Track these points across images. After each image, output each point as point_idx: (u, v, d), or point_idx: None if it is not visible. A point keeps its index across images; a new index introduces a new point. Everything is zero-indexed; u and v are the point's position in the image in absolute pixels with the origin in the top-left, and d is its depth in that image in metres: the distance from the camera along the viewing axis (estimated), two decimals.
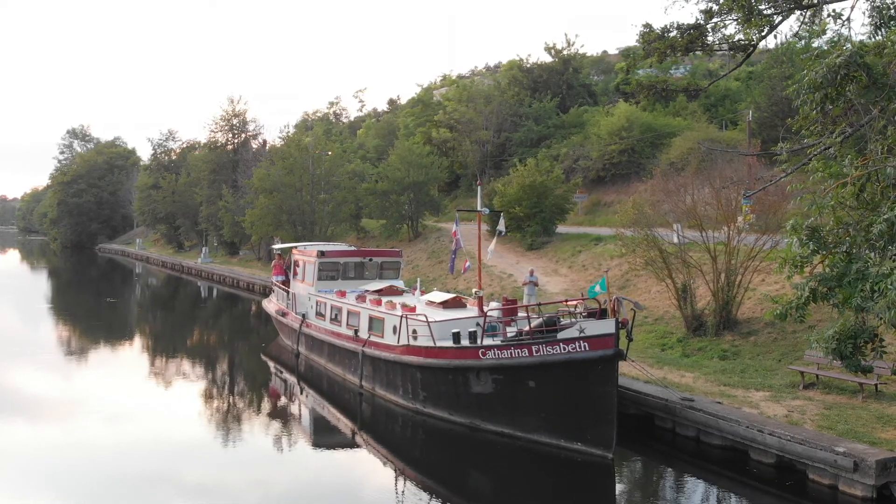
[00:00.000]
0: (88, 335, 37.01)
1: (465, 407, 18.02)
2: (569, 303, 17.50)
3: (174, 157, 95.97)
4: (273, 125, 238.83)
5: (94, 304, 51.23)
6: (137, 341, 35.91)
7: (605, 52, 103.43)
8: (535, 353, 15.94)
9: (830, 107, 8.96)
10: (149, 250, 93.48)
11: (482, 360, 16.87)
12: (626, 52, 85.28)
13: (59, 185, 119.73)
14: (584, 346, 15.33)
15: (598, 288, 16.23)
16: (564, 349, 15.52)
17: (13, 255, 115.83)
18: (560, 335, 15.73)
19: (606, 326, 15.22)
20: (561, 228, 42.57)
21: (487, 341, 17.27)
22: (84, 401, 23.16)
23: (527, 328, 16.66)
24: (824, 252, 8.79)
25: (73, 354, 31.42)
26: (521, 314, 19.30)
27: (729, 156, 29.23)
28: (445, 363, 17.81)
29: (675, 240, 25.48)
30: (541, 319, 16.64)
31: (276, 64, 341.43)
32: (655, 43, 13.64)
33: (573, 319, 16.69)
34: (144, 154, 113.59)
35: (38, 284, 67.35)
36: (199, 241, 79.57)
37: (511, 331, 17.93)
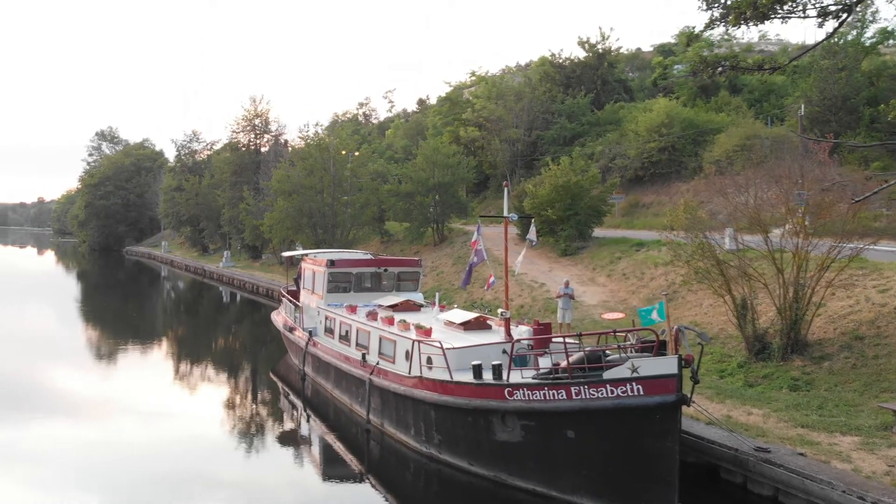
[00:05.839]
0: (118, 339, 37.49)
1: (487, 457, 14.88)
2: (618, 333, 14.17)
3: (199, 159, 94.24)
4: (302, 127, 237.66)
5: (122, 307, 52.54)
6: (164, 346, 35.93)
7: (639, 49, 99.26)
8: (574, 397, 12.76)
9: None
10: (174, 253, 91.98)
11: (508, 402, 13.73)
12: (661, 49, 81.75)
13: (86, 188, 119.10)
14: (638, 390, 12.14)
15: (654, 314, 12.97)
16: (612, 392, 12.34)
17: (49, 256, 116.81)
18: (607, 374, 12.53)
19: (666, 365, 12.01)
20: (597, 232, 39.31)
21: (515, 376, 14.09)
22: (111, 402, 23.95)
23: (564, 362, 13.48)
24: None
25: (104, 357, 32.30)
26: (556, 339, 16.23)
27: (789, 151, 26.03)
28: (464, 402, 14.69)
29: (727, 246, 22.25)
30: (582, 353, 13.42)
31: (308, 65, 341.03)
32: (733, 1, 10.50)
33: (623, 354, 13.45)
34: (172, 156, 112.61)
35: (74, 287, 68.74)
36: (223, 244, 77.78)
37: (545, 363, 14.75)
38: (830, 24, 12.76)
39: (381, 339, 19.43)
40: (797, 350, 20.13)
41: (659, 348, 12.67)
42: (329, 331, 23.61)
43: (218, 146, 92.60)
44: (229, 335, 40.23)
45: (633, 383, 12.19)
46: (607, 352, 13.60)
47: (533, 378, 13.89)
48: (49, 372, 28.54)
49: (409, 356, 17.29)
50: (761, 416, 16.63)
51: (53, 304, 52.32)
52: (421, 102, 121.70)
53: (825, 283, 20.12)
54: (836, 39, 46.06)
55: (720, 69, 13.08)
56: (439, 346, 15.93)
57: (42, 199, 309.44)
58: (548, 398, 13.08)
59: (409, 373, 16.88)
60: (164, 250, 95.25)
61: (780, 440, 14.92)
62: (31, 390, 25.23)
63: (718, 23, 11.53)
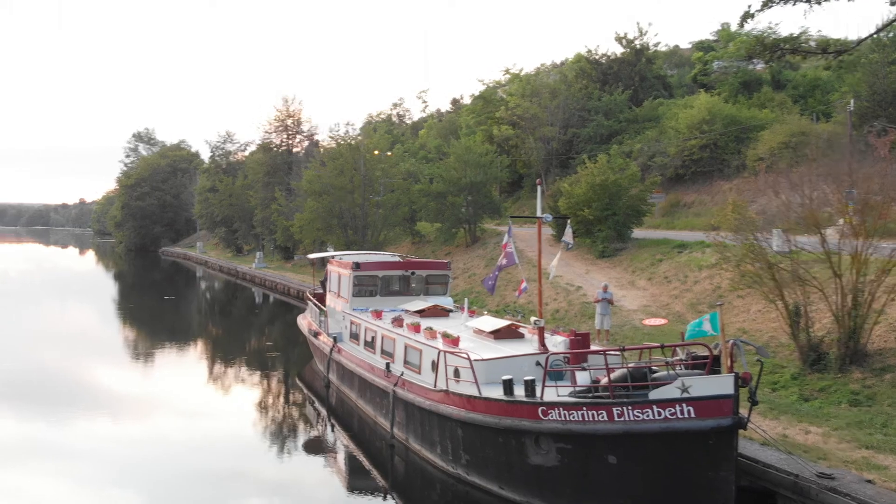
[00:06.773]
0: (155, 338, 38.10)
1: (520, 481, 13.62)
2: (665, 347, 12.76)
3: (233, 160, 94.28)
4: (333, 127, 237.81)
5: (159, 307, 52.58)
6: (198, 347, 36.55)
7: (677, 45, 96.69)
8: (616, 418, 11.48)
9: None
10: (208, 254, 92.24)
11: (543, 422, 12.47)
12: (700, 45, 79.33)
13: (123, 189, 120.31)
14: (689, 412, 10.84)
15: (706, 325, 11.59)
16: (659, 414, 11.05)
17: (90, 256, 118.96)
18: (653, 394, 11.23)
19: (721, 384, 10.69)
20: (636, 233, 37.73)
21: (550, 393, 12.84)
22: (148, 400, 24.26)
23: (604, 378, 12.17)
24: None
25: (141, 356, 32.84)
26: (596, 350, 14.91)
27: (840, 148, 24.37)
28: (493, 421, 13.46)
29: (775, 247, 20.72)
30: (625, 369, 12.10)
31: (344, 67, 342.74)
32: None
33: (671, 371, 12.09)
34: (207, 157, 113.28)
35: (113, 287, 70.68)
36: (256, 245, 77.71)
37: (583, 379, 13.44)
38: None
39: (406, 348, 18.33)
40: (856, 361, 18.57)
41: (712, 365, 11.32)
42: (354, 337, 22.61)
43: (252, 147, 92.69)
44: (261, 337, 39.62)
45: (684, 404, 10.88)
46: (653, 368, 12.28)
47: (570, 395, 12.63)
48: (90, 370, 29.18)
49: (435, 367, 16.15)
50: (820, 434, 15.18)
51: (94, 304, 53.33)
52: (454, 102, 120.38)
53: (886, 288, 18.54)
54: (886, 32, 43.88)
55: (778, 52, 11.68)
56: (466, 357, 14.75)
57: (83, 199, 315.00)
58: (587, 419, 11.81)
59: (435, 385, 15.74)
60: (199, 251, 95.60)
61: (844, 464, 13.47)
62: (73, 387, 25.79)
63: (776, 1, 10.18)
